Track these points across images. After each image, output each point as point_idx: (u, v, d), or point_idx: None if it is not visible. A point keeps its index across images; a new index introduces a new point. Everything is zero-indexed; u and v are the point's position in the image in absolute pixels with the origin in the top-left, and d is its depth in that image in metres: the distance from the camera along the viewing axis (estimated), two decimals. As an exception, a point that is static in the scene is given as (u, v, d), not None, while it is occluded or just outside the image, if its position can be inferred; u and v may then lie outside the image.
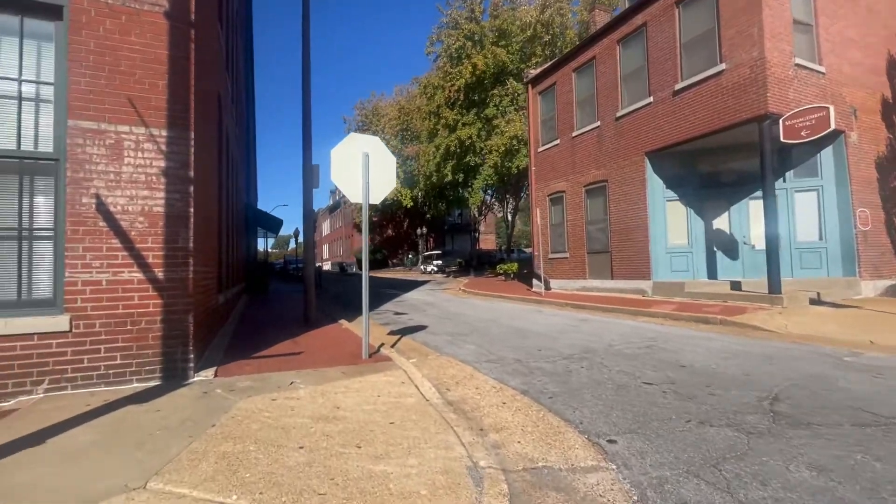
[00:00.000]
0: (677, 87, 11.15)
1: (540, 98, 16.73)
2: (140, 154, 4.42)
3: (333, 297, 18.34)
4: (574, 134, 14.66)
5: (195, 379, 4.53)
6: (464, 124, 23.15)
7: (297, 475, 2.49)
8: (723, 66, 10.13)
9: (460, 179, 24.70)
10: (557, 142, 15.51)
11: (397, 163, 36.39)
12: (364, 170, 5.44)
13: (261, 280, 20.51)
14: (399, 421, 3.38)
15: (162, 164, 4.49)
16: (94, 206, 4.23)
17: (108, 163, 4.31)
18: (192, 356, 4.53)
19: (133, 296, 4.32)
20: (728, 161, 11.75)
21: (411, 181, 41.19)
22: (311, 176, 9.01)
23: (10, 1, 4.11)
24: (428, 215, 44.18)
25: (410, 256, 48.58)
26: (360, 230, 50.78)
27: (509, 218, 36.31)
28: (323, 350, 6.20)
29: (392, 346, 6.79)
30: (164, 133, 4.51)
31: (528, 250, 53.80)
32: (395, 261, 52.28)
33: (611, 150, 13.31)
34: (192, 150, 4.62)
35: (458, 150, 24.15)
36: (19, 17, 4.16)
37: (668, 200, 12.12)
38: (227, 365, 5.18)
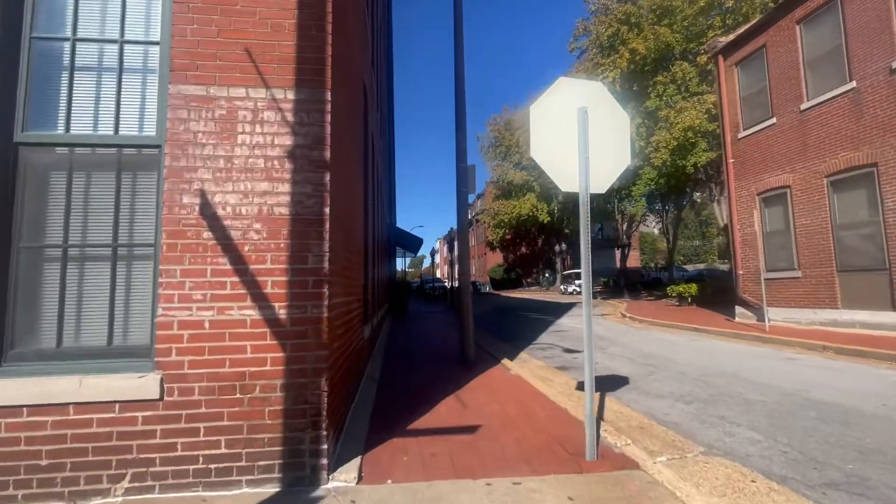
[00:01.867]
0: None
1: (738, 70, 12.88)
2: (258, 128, 2.93)
3: (476, 320, 16.62)
4: (804, 106, 10.59)
5: (331, 485, 2.77)
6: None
7: None
8: None
9: (615, 185, 21.32)
10: (772, 121, 11.50)
11: (533, 175, 34.11)
12: (581, 137, 3.27)
13: (402, 301, 19.92)
14: None
15: (288, 140, 2.94)
16: (197, 207, 2.81)
17: (216, 143, 2.89)
18: (324, 446, 2.79)
19: (245, 346, 2.76)
20: None
21: (548, 194, 38.44)
22: (465, 179, 7.25)
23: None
24: (566, 230, 40.66)
25: (547, 275, 45.35)
26: (493, 248, 49.47)
27: (669, 230, 30.94)
28: (507, 424, 4.10)
29: (604, 419, 4.39)
30: (290, 95, 2.96)
31: (688, 268, 46.03)
32: (529, 280, 49.53)
33: (882, 121, 9.05)
34: (329, 119, 2.99)
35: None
36: (120, -45, 3.02)
37: None
38: (375, 451, 3.39)
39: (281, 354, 2.78)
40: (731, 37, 13.29)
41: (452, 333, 11.25)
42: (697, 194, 27.12)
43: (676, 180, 19.96)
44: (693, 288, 18.24)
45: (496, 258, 51.23)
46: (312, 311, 2.84)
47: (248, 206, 2.86)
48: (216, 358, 2.73)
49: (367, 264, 7.55)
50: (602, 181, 3.43)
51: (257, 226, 2.86)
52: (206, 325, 2.74)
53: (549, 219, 38.25)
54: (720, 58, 13.49)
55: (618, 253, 54.47)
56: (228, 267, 2.80)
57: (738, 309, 12.75)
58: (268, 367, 2.77)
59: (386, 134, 20.08)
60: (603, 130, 3.38)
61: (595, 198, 34.57)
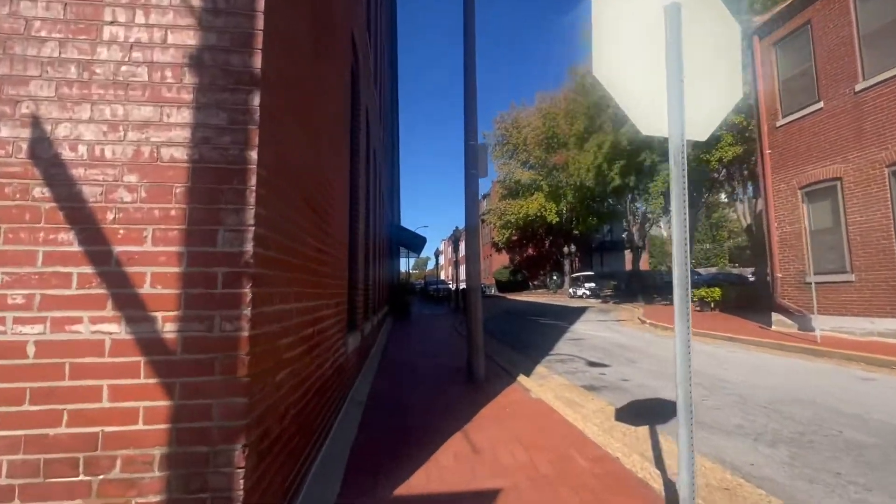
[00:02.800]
0: None
1: (777, 51, 11.60)
2: (140, 16, 1.74)
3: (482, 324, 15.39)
4: (860, 87, 9.30)
5: None
6: (637, 114, 18.62)
7: None
8: None
9: (631, 183, 19.97)
10: (818, 105, 10.22)
11: (541, 174, 32.83)
12: (672, 50, 2.05)
13: (404, 303, 18.74)
14: None
15: (190, 38, 1.75)
16: (24, 145, 1.62)
17: (66, 39, 1.70)
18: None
19: (99, 387, 1.57)
20: None
21: (556, 193, 37.14)
22: (474, 157, 6.05)
23: None
24: (576, 231, 39.32)
25: (555, 278, 44.00)
26: (499, 250, 48.20)
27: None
28: (540, 485, 2.87)
29: (664, 466, 3.15)
30: (197, -35, 1.78)
31: (701, 271, 44.52)
32: (535, 282, 48.17)
33: (960, 99, 7.76)
34: (263, 7, 1.80)
35: (630, 147, 19.53)
36: None
37: None
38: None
39: (164, 403, 1.59)
40: (768, 15, 12.02)
41: (457, 339, 10.05)
42: (713, 194, 25.77)
43: (698, 176, 18.64)
44: (716, 292, 16.91)
45: (502, 260, 49.95)
46: (223, 328, 1.64)
47: (116, 144, 1.67)
48: (44, 410, 1.53)
49: (358, 260, 6.38)
50: (704, 122, 2.20)
51: (131, 178, 1.67)
52: (30, 350, 1.55)
53: (557, 219, 36.93)
54: (755, 39, 12.22)
55: (628, 255, 53.10)
56: (76, 248, 1.61)
57: (776, 316, 11.44)
58: (139, 426, 1.57)
59: (388, 125, 18.95)
60: (704, 45, 2.15)
61: (602, 195, 33.26)
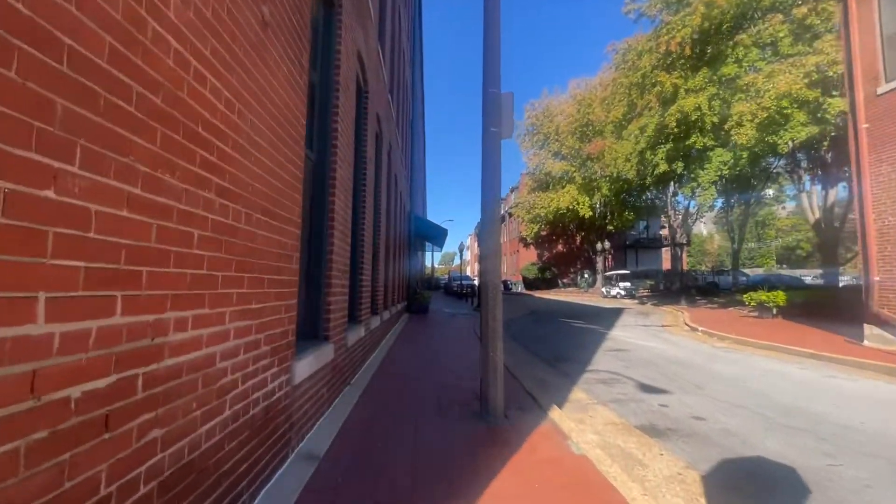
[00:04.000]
0: None
1: (879, 2, 9.38)
2: None
3: (506, 326, 13.71)
4: None
5: None
6: (688, 91, 16.34)
7: None
8: None
9: (679, 170, 17.74)
10: (940, 65, 8.04)
11: (573, 166, 30.62)
12: None
13: (421, 299, 17.29)
14: None
15: None
16: None
17: None
18: None
19: None
20: None
21: (590, 186, 34.80)
22: (495, 108, 4.42)
23: None
24: (610, 227, 36.85)
25: (586, 276, 41.63)
26: (527, 245, 46.15)
27: (733, 228, 26.85)
28: None
29: None
30: None
31: (748, 272, 41.16)
32: (565, 280, 45.86)
33: None
34: None
35: (678, 129, 17.31)
36: None
37: None
38: None
39: None
40: (868, -42, 9.75)
41: (475, 343, 8.48)
42: (768, 186, 23.08)
43: (754, 163, 16.26)
44: (780, 297, 14.60)
45: (530, 256, 47.85)
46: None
47: None
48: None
49: (363, 251, 4.92)
50: None
51: None
52: None
53: (590, 213, 34.62)
54: (848, -12, 9.97)
55: (665, 253, 49.94)
56: None
57: (870, 329, 9.29)
58: None
59: (409, 113, 17.49)
60: None
61: (640, 187, 30.70)
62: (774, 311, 14.71)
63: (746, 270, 42.77)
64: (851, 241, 21.79)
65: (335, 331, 4.41)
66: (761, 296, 15.00)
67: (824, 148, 16.52)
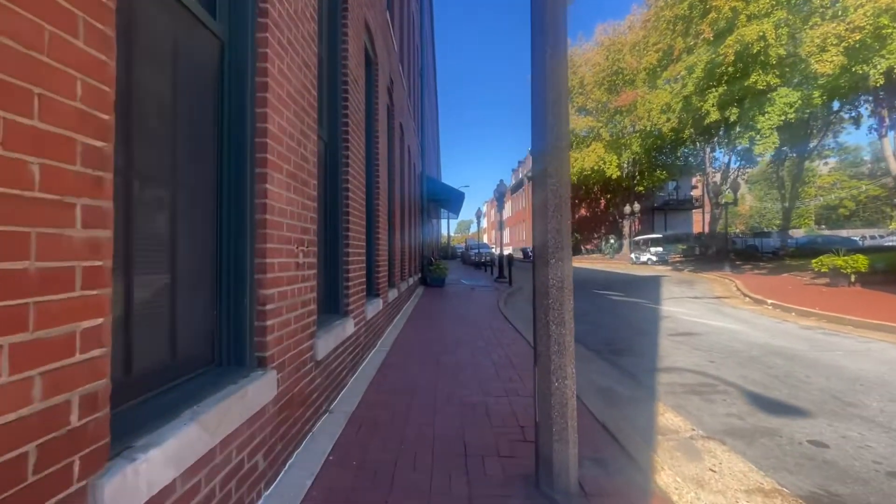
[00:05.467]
0: None
1: None
2: None
3: (531, 297, 11.91)
4: None
5: None
6: (750, 17, 13.53)
7: None
8: None
9: (732, 118, 15.12)
10: None
11: (600, 121, 27.73)
12: None
13: (437, 270, 15.54)
14: None
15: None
16: None
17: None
18: None
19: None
20: None
21: (618, 145, 31.96)
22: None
23: None
24: (639, 188, 34.17)
25: (612, 242, 39.21)
26: (547, 210, 43.67)
27: (783, 183, 24.04)
28: None
29: None
30: None
31: (795, 234, 38.04)
32: (589, 247, 43.54)
33: None
34: None
35: (733, 69, 14.60)
36: None
37: None
38: None
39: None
40: None
41: (504, 330, 6.67)
42: (836, 132, 20.18)
43: (850, 92, 13.55)
44: (860, 261, 12.31)
45: (551, 222, 45.36)
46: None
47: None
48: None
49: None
50: None
51: None
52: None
53: (618, 173, 31.96)
54: None
55: (696, 215, 46.82)
56: None
57: None
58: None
59: (418, 64, 15.21)
60: None
61: (674, 143, 27.74)
62: (853, 278, 12.47)
63: (769, 232, 39.56)
64: None
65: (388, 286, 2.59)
66: (836, 260, 12.73)
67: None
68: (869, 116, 16.28)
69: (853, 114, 19.63)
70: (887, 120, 14.83)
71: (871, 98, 14.97)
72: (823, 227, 58.05)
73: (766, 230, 39.30)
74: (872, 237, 34.17)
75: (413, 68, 14.27)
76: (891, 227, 47.00)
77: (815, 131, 21.48)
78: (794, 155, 22.20)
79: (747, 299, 11.89)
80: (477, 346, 5.95)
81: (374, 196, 6.42)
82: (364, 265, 5.26)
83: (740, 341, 6.66)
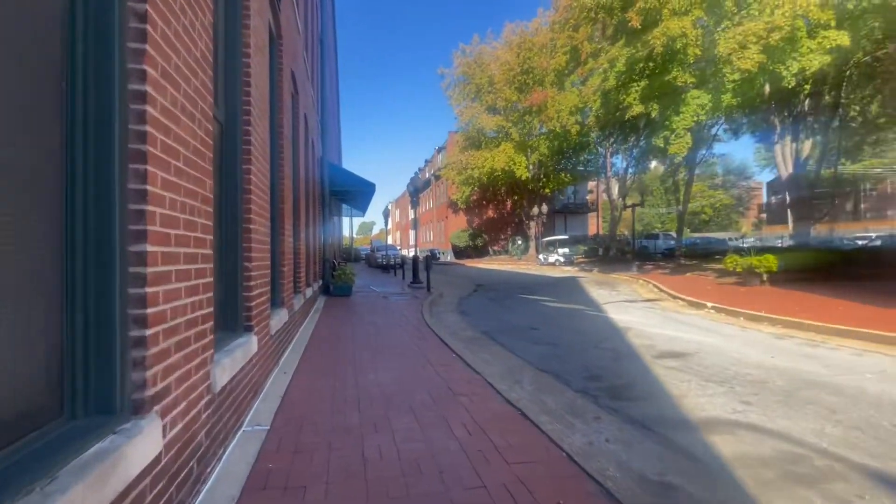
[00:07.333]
0: None
1: None
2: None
3: (464, 312, 9.93)
4: None
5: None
6: (673, 12, 13.25)
7: None
8: None
9: (653, 113, 14.91)
10: None
11: (509, 121, 27.08)
12: None
13: (343, 276, 12.85)
14: None
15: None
16: None
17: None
18: None
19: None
20: None
21: (526, 146, 31.88)
22: None
23: None
24: (546, 190, 34.61)
25: (519, 243, 39.44)
26: (456, 210, 42.81)
27: (678, 187, 25.67)
28: None
29: None
30: None
31: (697, 234, 41.80)
32: (496, 248, 43.50)
33: None
34: None
35: (653, 64, 14.31)
36: None
37: None
38: None
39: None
40: None
41: (453, 375, 4.50)
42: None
43: (752, 102, 13.95)
44: (772, 261, 12.57)
45: (459, 222, 44.53)
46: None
47: None
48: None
49: None
50: None
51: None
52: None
53: (527, 174, 31.89)
54: None
55: (591, 218, 49.69)
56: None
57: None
58: None
59: (319, 35, 12.38)
60: None
61: (580, 146, 28.41)
62: (765, 277, 12.69)
63: (657, 234, 43.48)
64: (824, 198, 21.26)
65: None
66: (751, 260, 12.89)
67: (806, 91, 14.67)
68: (761, 126, 17.50)
69: (737, 123, 21.32)
70: (779, 128, 15.87)
71: (769, 107, 15.81)
72: (688, 230, 66.19)
73: (654, 232, 42.71)
74: (730, 239, 38.84)
75: (311, 23, 11.46)
76: (742, 230, 55.01)
77: (702, 141, 22.84)
78: (685, 164, 23.57)
79: (680, 302, 11.30)
80: (422, 405, 3.67)
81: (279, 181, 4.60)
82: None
83: (743, 364, 5.32)
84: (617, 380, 4.80)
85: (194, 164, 2.26)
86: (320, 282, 12.61)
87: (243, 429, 3.13)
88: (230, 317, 3.36)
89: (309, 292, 8.71)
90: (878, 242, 22.52)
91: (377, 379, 4.43)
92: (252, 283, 3.59)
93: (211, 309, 2.46)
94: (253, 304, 3.60)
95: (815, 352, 5.92)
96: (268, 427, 3.21)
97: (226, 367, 2.68)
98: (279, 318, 4.88)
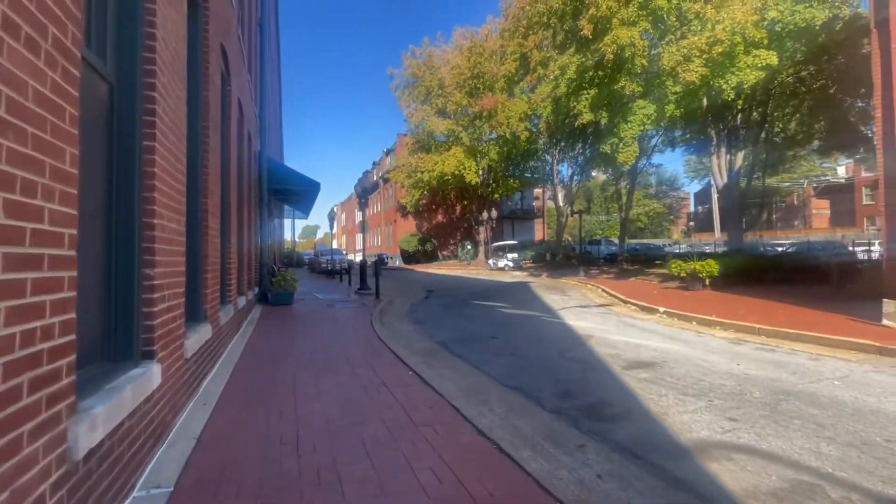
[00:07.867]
0: None
1: None
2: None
3: (418, 320, 9.30)
4: None
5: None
6: (623, 23, 13.50)
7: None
8: None
9: (603, 121, 15.14)
10: None
11: (460, 125, 27.09)
12: None
13: (283, 283, 11.74)
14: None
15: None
16: None
17: None
18: None
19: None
20: None
21: (476, 151, 31.84)
22: None
23: None
24: (495, 196, 34.78)
25: (468, 248, 39.33)
26: (405, 214, 42.02)
27: (620, 195, 26.64)
28: None
29: None
30: None
31: (635, 240, 43.58)
32: (445, 253, 43.15)
33: None
34: None
35: (602, 73, 14.54)
36: None
37: None
38: None
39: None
40: None
41: (412, 403, 3.84)
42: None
43: (692, 114, 14.55)
44: (712, 266, 13.07)
45: (408, 226, 43.75)
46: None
47: None
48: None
49: None
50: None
51: None
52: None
53: (477, 179, 31.84)
54: None
55: (537, 224, 50.87)
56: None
57: (890, 305, 7.37)
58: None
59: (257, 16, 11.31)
60: None
61: (528, 153, 28.87)
62: (707, 281, 13.18)
63: (599, 240, 45.30)
64: (752, 208, 22.74)
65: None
66: (694, 265, 13.34)
67: (738, 107, 15.57)
68: (699, 138, 18.48)
69: (672, 136, 22.45)
70: (715, 139, 16.77)
71: (706, 119, 16.62)
72: (628, 237, 69.80)
73: (597, 238, 44.27)
74: (666, 245, 41.19)
75: (249, 1, 10.39)
76: (673, 237, 58.70)
77: (644, 151, 23.76)
78: (628, 173, 24.47)
79: (632, 307, 11.36)
80: (378, 443, 2.99)
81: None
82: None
83: (714, 374, 5.12)
84: (591, 397, 4.38)
85: (37, 118, 1.48)
86: (256, 289, 11.43)
87: (133, 495, 2.30)
88: (119, 342, 2.51)
89: (242, 301, 7.69)
90: (793, 249, 24.58)
91: (322, 409, 3.69)
92: (155, 296, 2.75)
93: (70, 338, 1.67)
94: (156, 322, 2.76)
95: (774, 357, 5.89)
96: (171, 489, 2.40)
97: (99, 419, 1.87)
98: (199, 337, 4.00)
